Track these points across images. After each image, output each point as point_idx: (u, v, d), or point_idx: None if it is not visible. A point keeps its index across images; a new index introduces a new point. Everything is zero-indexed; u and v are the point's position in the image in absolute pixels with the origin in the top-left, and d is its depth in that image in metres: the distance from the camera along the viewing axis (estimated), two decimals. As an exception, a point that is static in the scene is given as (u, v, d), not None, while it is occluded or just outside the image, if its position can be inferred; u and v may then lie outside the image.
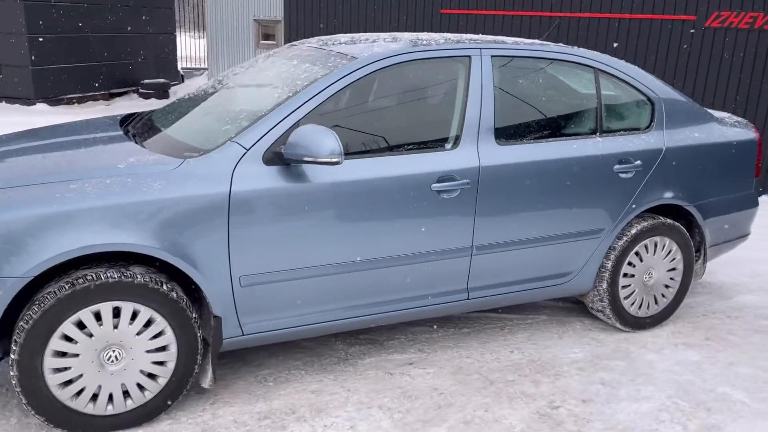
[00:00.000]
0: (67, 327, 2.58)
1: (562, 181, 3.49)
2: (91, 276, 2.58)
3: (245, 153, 2.85)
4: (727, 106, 7.70)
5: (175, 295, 2.73)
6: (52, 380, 2.60)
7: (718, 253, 4.27)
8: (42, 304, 2.52)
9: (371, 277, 3.15)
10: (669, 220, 3.87)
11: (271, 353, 3.52)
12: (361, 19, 9.36)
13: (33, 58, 12.15)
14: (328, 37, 3.93)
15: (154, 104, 13.28)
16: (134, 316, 2.69)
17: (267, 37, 14.02)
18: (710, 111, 4.30)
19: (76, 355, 2.62)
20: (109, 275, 2.61)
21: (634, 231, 3.76)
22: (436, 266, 3.31)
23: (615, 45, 3.85)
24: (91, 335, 2.63)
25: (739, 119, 4.38)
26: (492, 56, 3.46)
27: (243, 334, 2.98)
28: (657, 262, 3.91)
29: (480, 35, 3.86)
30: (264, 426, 2.89)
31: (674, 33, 7.83)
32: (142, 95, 14.26)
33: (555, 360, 3.60)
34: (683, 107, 3.95)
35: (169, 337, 2.77)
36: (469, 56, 3.40)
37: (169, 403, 2.85)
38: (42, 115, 11.19)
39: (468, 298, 3.48)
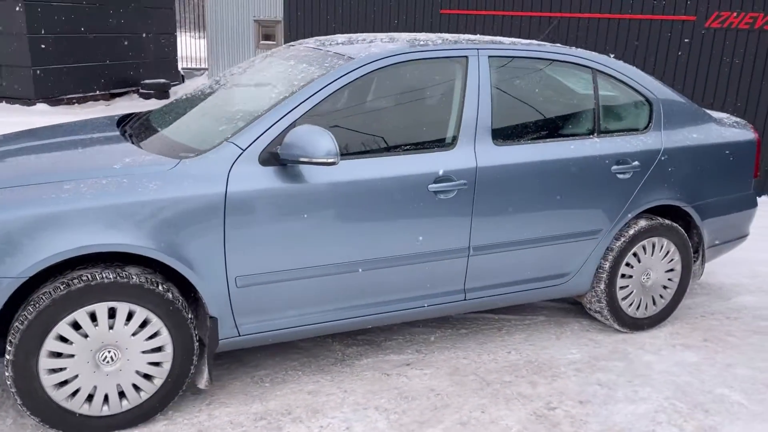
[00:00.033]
0: (63, 327, 2.57)
1: (560, 181, 3.48)
2: (87, 276, 2.58)
3: (241, 153, 2.85)
4: (727, 107, 7.69)
5: (170, 295, 2.73)
6: (48, 381, 2.60)
7: (717, 254, 4.26)
8: (37, 305, 2.52)
9: (368, 278, 3.15)
10: (667, 221, 3.86)
11: (268, 354, 3.52)
12: (361, 20, 9.36)
13: (33, 58, 12.16)
14: (326, 37, 3.92)
15: (154, 104, 13.28)
16: (130, 316, 2.68)
17: (267, 37, 14.03)
18: (709, 112, 4.29)
19: (72, 356, 2.62)
20: (104, 276, 2.60)
21: (631, 232, 3.76)
22: (433, 267, 3.30)
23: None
24: (86, 336, 2.62)
25: (738, 120, 4.37)
26: (489, 56, 3.45)
27: (239, 335, 2.98)
28: (655, 263, 3.90)
29: (478, 35, 3.85)
30: (260, 427, 2.88)
31: (674, 33, 7.82)
32: (142, 95, 14.27)
33: (552, 361, 3.59)
34: (681, 108, 3.94)
35: (165, 338, 2.77)
36: (467, 56, 3.40)
37: (164, 403, 2.85)
38: (42, 116, 11.19)
39: (465, 299, 3.47)
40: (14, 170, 2.83)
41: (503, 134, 3.41)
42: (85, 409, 2.69)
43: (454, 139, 3.29)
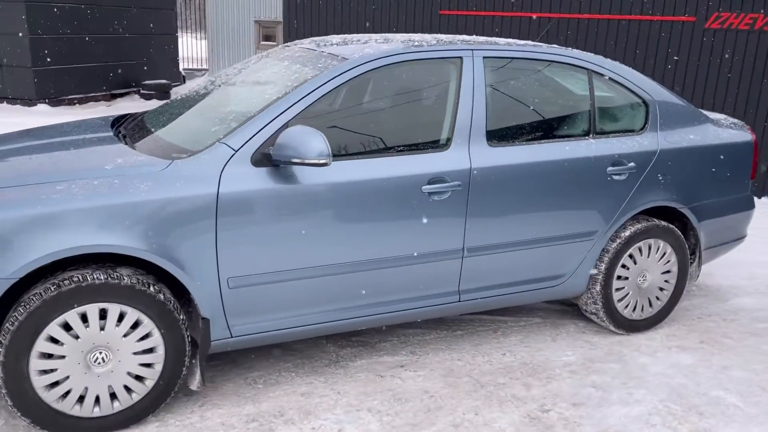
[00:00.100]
0: (53, 329, 2.57)
1: (555, 183, 3.47)
2: (78, 277, 2.58)
3: (233, 154, 2.84)
4: (726, 108, 7.67)
5: (162, 296, 2.72)
6: (38, 382, 2.59)
7: (714, 255, 4.25)
8: (27, 306, 2.52)
9: (361, 279, 3.14)
10: (663, 223, 3.85)
11: (262, 355, 3.51)
12: (361, 21, 9.36)
13: (34, 58, 12.17)
14: (321, 38, 3.92)
15: (155, 105, 13.28)
16: (121, 317, 2.68)
17: (268, 38, 14.04)
18: (706, 113, 4.28)
19: (63, 357, 2.62)
20: (95, 277, 2.60)
21: (627, 233, 3.74)
22: (427, 268, 3.29)
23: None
24: (77, 337, 2.62)
25: (735, 121, 4.36)
26: (484, 57, 3.44)
27: (231, 336, 2.97)
28: (651, 265, 3.88)
29: (473, 36, 3.84)
30: (251, 428, 2.88)
31: (674, 34, 7.81)
32: (143, 96, 14.28)
33: (547, 363, 3.58)
34: (678, 109, 3.92)
35: (157, 339, 2.76)
36: (461, 57, 3.39)
37: (156, 405, 2.84)
38: (43, 116, 11.20)
39: (459, 301, 3.46)
40: (5, 171, 2.82)
41: (498, 135, 3.40)
42: (76, 411, 2.69)
43: (448, 140, 3.28)
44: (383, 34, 3.83)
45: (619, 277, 3.82)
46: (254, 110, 3.00)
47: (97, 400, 2.71)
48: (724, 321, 4.22)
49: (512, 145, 3.42)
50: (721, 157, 4.00)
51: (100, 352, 2.67)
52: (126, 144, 3.14)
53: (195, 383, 2.91)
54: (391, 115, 3.29)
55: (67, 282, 2.56)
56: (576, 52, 3.72)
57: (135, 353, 2.73)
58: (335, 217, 3.00)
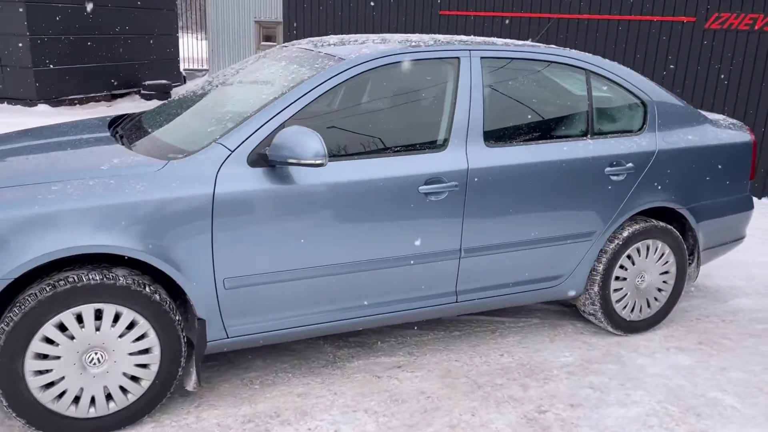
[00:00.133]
0: (48, 329, 2.56)
1: (552, 183, 3.46)
2: (73, 278, 2.57)
3: (230, 154, 2.84)
4: (727, 108, 7.66)
5: (158, 297, 2.72)
6: (34, 382, 2.59)
7: (713, 256, 4.24)
8: (23, 306, 2.51)
9: (357, 280, 3.13)
10: (661, 223, 3.84)
11: (259, 356, 3.51)
12: (360, 21, 9.36)
13: (35, 59, 12.18)
14: (319, 38, 3.91)
15: (155, 105, 13.29)
16: (117, 318, 2.67)
17: (268, 38, 14.04)
18: (705, 113, 4.27)
19: (58, 358, 2.61)
20: (90, 277, 2.59)
21: (625, 234, 3.73)
22: (424, 269, 3.28)
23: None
24: (72, 337, 2.61)
25: (734, 121, 4.35)
26: (482, 57, 3.44)
27: (227, 337, 2.96)
28: (649, 266, 3.87)
29: (471, 37, 3.84)
30: (247, 429, 2.87)
31: (674, 35, 7.80)
32: (143, 96, 14.29)
33: (545, 364, 3.57)
34: (676, 109, 3.92)
35: (153, 340, 2.75)
36: (458, 57, 3.38)
37: (152, 406, 2.84)
38: (43, 116, 11.21)
39: (457, 301, 3.45)
40: (2, 171, 2.82)
41: (495, 136, 3.40)
42: (72, 411, 2.68)
43: (446, 140, 3.28)
44: (381, 35, 3.83)
45: (617, 278, 3.81)
46: (251, 110, 3.00)
47: (93, 400, 2.71)
48: (722, 322, 4.21)
49: (510, 146, 3.41)
50: (720, 157, 3.99)
51: (96, 353, 2.66)
52: (123, 144, 3.13)
53: (191, 384, 2.91)
54: (388, 115, 3.28)
55: (62, 282, 2.55)
56: (574, 53, 3.72)
57: (131, 354, 2.73)
58: (332, 217, 2.99)
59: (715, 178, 3.99)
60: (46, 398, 2.62)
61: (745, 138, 4.15)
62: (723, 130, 4.10)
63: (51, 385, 2.63)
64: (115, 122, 3.69)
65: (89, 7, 11.51)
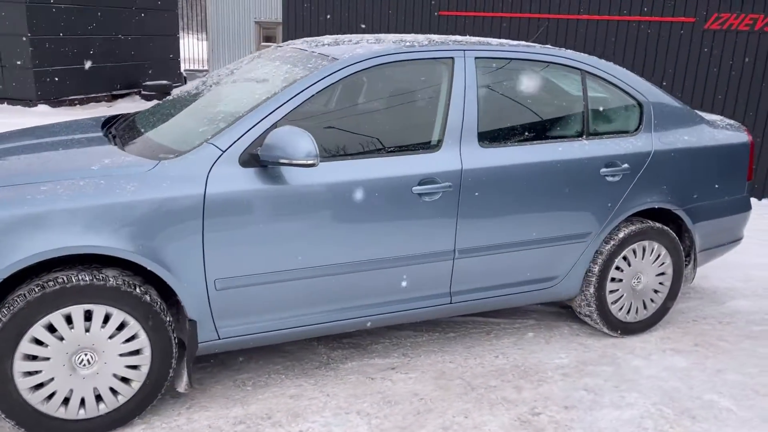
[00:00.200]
0: (38, 330, 2.55)
1: (547, 184, 3.44)
2: (62, 278, 2.56)
3: (221, 155, 2.82)
4: (726, 109, 7.64)
5: (148, 298, 2.70)
6: (23, 384, 2.57)
7: (710, 257, 4.21)
8: (11, 307, 2.50)
9: (350, 281, 3.12)
10: (658, 224, 3.82)
11: (252, 357, 3.49)
12: (360, 22, 9.34)
13: (35, 59, 12.19)
14: (314, 38, 3.90)
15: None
16: (107, 319, 2.66)
17: (268, 39, 14.03)
18: (701, 114, 4.25)
19: (47, 359, 2.59)
20: (80, 278, 2.58)
21: (621, 235, 3.71)
22: (418, 270, 3.27)
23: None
24: (62, 338, 2.60)
25: (732, 122, 4.32)
26: (476, 57, 3.42)
27: (219, 338, 2.95)
28: (645, 267, 3.85)
29: (466, 37, 3.82)
30: (239, 431, 2.85)
31: (673, 35, 7.77)
32: (144, 97, 14.30)
33: (540, 365, 3.55)
34: (672, 110, 3.89)
35: (143, 341, 2.74)
36: (452, 57, 3.36)
37: (143, 407, 2.82)
38: (43, 117, 11.20)
39: (451, 302, 3.44)
40: (-7, 171, 2.81)
41: (490, 136, 3.38)
42: (61, 413, 2.66)
43: (440, 141, 3.26)
44: (375, 35, 3.81)
45: (612, 279, 3.79)
46: (243, 111, 2.98)
47: (83, 402, 2.69)
48: (719, 324, 4.19)
49: (504, 146, 3.40)
50: (717, 158, 3.97)
51: (86, 354, 2.65)
52: (115, 144, 3.12)
53: (182, 385, 2.89)
54: (381, 115, 3.27)
55: (51, 283, 2.54)
56: (569, 53, 3.70)
57: (121, 355, 2.71)
58: (324, 218, 2.98)
59: (712, 179, 3.97)
60: (35, 399, 2.61)
61: (743, 138, 4.13)
62: (720, 131, 4.08)
63: (40, 386, 2.62)
64: (108, 122, 3.68)
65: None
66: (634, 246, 3.77)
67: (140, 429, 2.83)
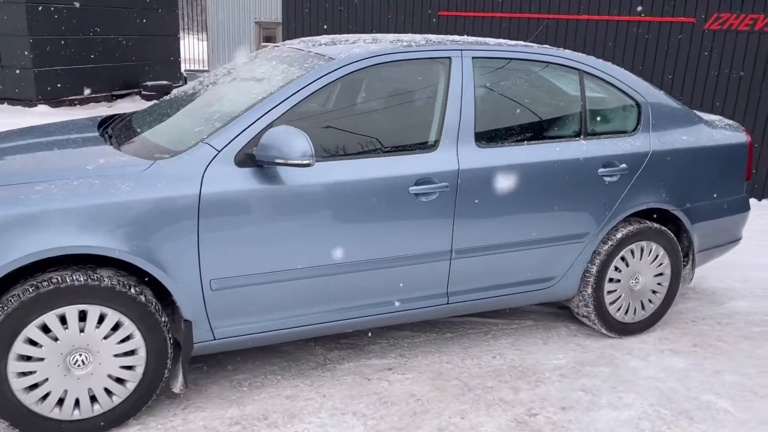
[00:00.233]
0: (32, 330, 2.54)
1: (544, 184, 3.43)
2: (56, 279, 2.55)
3: (216, 154, 2.81)
4: (726, 109, 7.62)
5: (143, 298, 2.69)
6: (17, 384, 2.56)
7: (709, 258, 4.20)
8: (5, 307, 2.49)
9: (346, 281, 3.11)
10: (656, 225, 3.80)
11: (248, 357, 3.48)
12: (359, 22, 9.33)
13: (35, 59, 12.19)
14: (311, 38, 3.89)
15: (155, 106, 13.26)
16: (101, 319, 2.65)
17: (268, 39, 14.03)
18: (700, 114, 4.24)
19: (41, 359, 2.59)
20: (74, 278, 2.57)
21: (619, 235, 3.70)
22: (415, 270, 3.25)
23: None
24: (56, 339, 2.59)
25: (730, 122, 4.31)
26: (473, 57, 3.41)
27: (214, 339, 2.94)
28: (644, 267, 3.84)
29: (464, 37, 3.81)
30: (234, 432, 2.85)
31: (673, 35, 7.76)
32: (144, 97, 14.30)
33: (537, 366, 3.54)
34: (670, 110, 3.88)
35: (138, 341, 2.73)
36: (450, 57, 3.35)
37: (138, 408, 2.81)
38: (43, 117, 11.19)
39: (448, 303, 3.42)
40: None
41: (487, 136, 3.37)
42: (56, 414, 2.66)
43: (436, 140, 3.25)
44: (373, 35, 3.80)
45: (610, 280, 3.77)
46: (239, 110, 2.98)
47: (77, 402, 2.68)
48: (718, 324, 4.17)
49: (501, 147, 3.38)
50: (715, 158, 3.96)
51: (80, 355, 2.64)
52: (111, 144, 3.11)
53: (177, 386, 2.88)
54: (378, 115, 3.26)
55: (45, 283, 2.53)
56: (567, 53, 3.69)
57: (115, 355, 2.70)
58: (320, 218, 2.96)
59: (711, 179, 3.96)
60: (29, 400, 2.60)
61: (741, 139, 4.12)
62: (718, 131, 4.07)
63: (35, 386, 2.61)
64: (105, 123, 3.67)
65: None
66: (632, 246, 3.76)
67: (135, 430, 2.82)
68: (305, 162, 2.74)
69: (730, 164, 4.04)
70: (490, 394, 3.24)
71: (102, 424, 2.75)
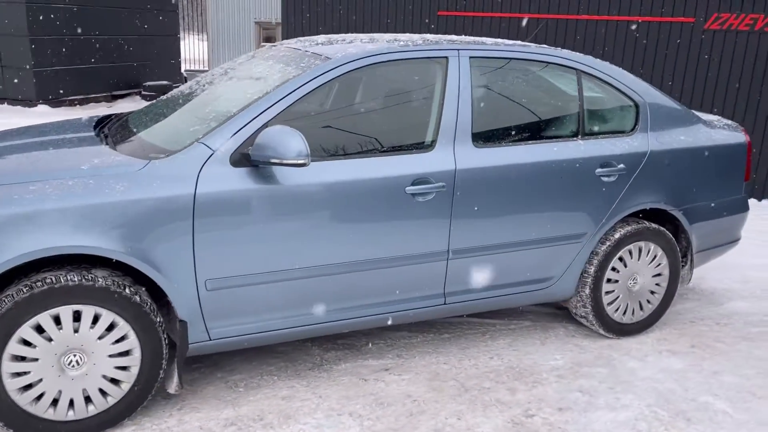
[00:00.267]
0: (26, 331, 2.53)
1: (542, 184, 3.42)
2: (50, 279, 2.54)
3: (212, 154, 2.80)
4: (726, 109, 7.60)
5: (138, 298, 2.68)
6: (11, 385, 2.55)
7: (707, 258, 4.18)
8: (-1, 308, 2.48)
9: (343, 282, 3.10)
10: (654, 225, 3.79)
11: (245, 358, 3.47)
12: (359, 22, 9.32)
13: (35, 59, 12.19)
14: (308, 37, 3.88)
15: (155, 106, 13.25)
16: (96, 319, 2.64)
17: (268, 39, 14.02)
18: (699, 114, 4.22)
19: (36, 360, 2.58)
20: (68, 278, 2.56)
21: (617, 236, 3.69)
22: (411, 270, 3.24)
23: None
24: (50, 339, 2.58)
25: (729, 122, 4.30)
26: (470, 57, 3.40)
27: (210, 339, 2.93)
28: (642, 268, 3.83)
29: (461, 36, 3.80)
30: (229, 433, 2.84)
31: (673, 35, 7.74)
32: (144, 97, 14.30)
33: (535, 367, 3.53)
34: (668, 110, 3.87)
35: (133, 342, 2.72)
36: (447, 57, 3.34)
37: (133, 408, 2.80)
38: (43, 117, 11.19)
39: (445, 303, 3.41)
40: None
41: (484, 136, 3.36)
42: (50, 414, 2.65)
43: (433, 140, 3.24)
44: (370, 34, 3.79)
45: (608, 280, 3.76)
46: (235, 110, 2.97)
47: (72, 403, 2.67)
48: (717, 325, 4.16)
49: (498, 146, 3.37)
50: (714, 158, 3.94)
51: (75, 355, 2.63)
52: (107, 144, 3.10)
53: (173, 386, 2.87)
54: (374, 115, 3.25)
55: (39, 283, 2.52)
56: (565, 52, 3.67)
57: (110, 356, 2.69)
58: (316, 218, 2.95)
59: (709, 179, 3.94)
60: (23, 401, 2.59)
61: (740, 139, 4.10)
62: (717, 131, 4.05)
63: (29, 387, 2.60)
64: (101, 122, 3.66)
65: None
66: (630, 247, 3.75)
67: (130, 430, 2.81)
68: (300, 162, 2.73)
69: (728, 164, 4.02)
70: (487, 395, 3.23)
71: (97, 424, 2.74)
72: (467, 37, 3.77)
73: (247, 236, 2.84)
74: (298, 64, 3.20)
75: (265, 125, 2.89)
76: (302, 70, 3.11)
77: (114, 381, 2.74)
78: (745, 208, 4.21)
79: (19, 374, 2.57)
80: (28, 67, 12.13)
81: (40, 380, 2.60)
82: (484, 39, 3.70)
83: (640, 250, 3.78)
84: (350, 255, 3.06)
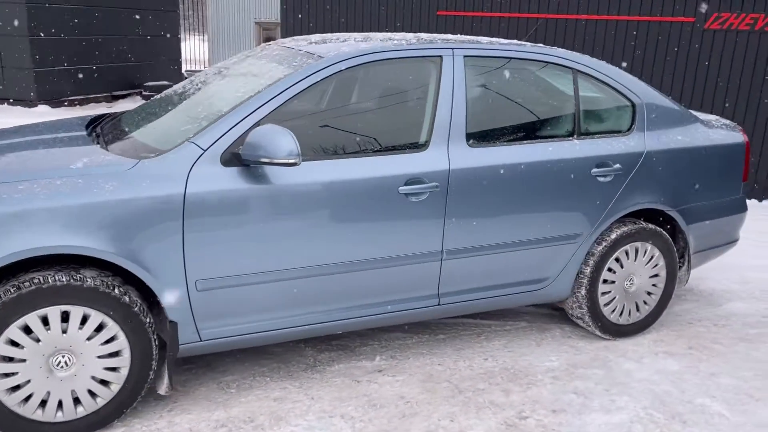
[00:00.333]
0: (13, 331, 2.51)
1: (537, 184, 3.39)
2: (38, 279, 2.52)
3: (202, 153, 2.78)
4: (726, 109, 7.57)
5: (127, 299, 2.66)
6: (-2, 386, 2.54)
7: (705, 259, 4.15)
8: (-14, 308, 2.46)
9: (335, 282, 3.07)
10: (651, 225, 3.76)
11: (237, 359, 3.45)
12: (358, 22, 9.30)
13: (34, 59, 12.18)
14: (302, 36, 3.86)
15: (155, 106, 13.23)
16: (84, 320, 2.62)
17: (268, 39, 14.01)
18: (696, 113, 4.19)
19: (23, 361, 2.55)
20: (57, 278, 2.54)
21: (613, 236, 3.66)
22: (405, 271, 3.22)
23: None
24: (38, 340, 2.56)
25: (727, 122, 4.27)
26: (465, 56, 3.37)
27: (200, 340, 2.90)
28: (638, 269, 3.80)
29: (456, 35, 3.77)
30: (219, 434, 2.81)
31: (673, 35, 7.71)
32: (144, 97, 14.27)
33: (530, 368, 3.50)
34: (666, 109, 3.84)
35: (122, 342, 2.70)
36: (441, 56, 3.32)
37: (122, 410, 2.78)
38: (43, 117, 11.17)
39: (439, 304, 3.39)
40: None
41: (478, 136, 3.33)
42: (38, 415, 2.62)
43: (427, 140, 3.21)
44: (364, 33, 3.77)
45: (605, 281, 3.73)
46: (226, 109, 2.94)
47: (60, 404, 2.65)
48: (714, 326, 4.13)
49: (493, 146, 3.35)
50: (711, 158, 3.91)
51: (63, 356, 2.61)
52: (98, 144, 3.08)
53: (163, 388, 2.85)
54: (367, 114, 3.22)
55: (27, 284, 2.50)
56: (561, 51, 3.65)
57: (99, 357, 2.67)
58: (308, 218, 2.93)
59: (707, 179, 3.91)
60: (11, 402, 2.57)
61: (738, 139, 4.07)
62: (715, 131, 4.02)
63: (17, 388, 2.58)
64: (94, 122, 3.64)
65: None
66: (627, 247, 3.72)
67: (119, 432, 2.80)
68: (291, 161, 2.70)
69: (726, 164, 3.99)
70: (480, 397, 3.20)
71: (86, 426, 2.71)
72: (462, 36, 3.74)
73: (238, 236, 2.82)
74: (290, 63, 3.18)
75: (257, 124, 2.87)
76: (294, 69, 3.08)
77: (103, 382, 2.72)
78: (744, 208, 4.18)
79: (6, 375, 2.55)
80: (28, 67, 12.12)
81: (29, 381, 2.58)
82: (479, 38, 3.67)
83: (636, 251, 3.75)
84: (343, 255, 3.04)
